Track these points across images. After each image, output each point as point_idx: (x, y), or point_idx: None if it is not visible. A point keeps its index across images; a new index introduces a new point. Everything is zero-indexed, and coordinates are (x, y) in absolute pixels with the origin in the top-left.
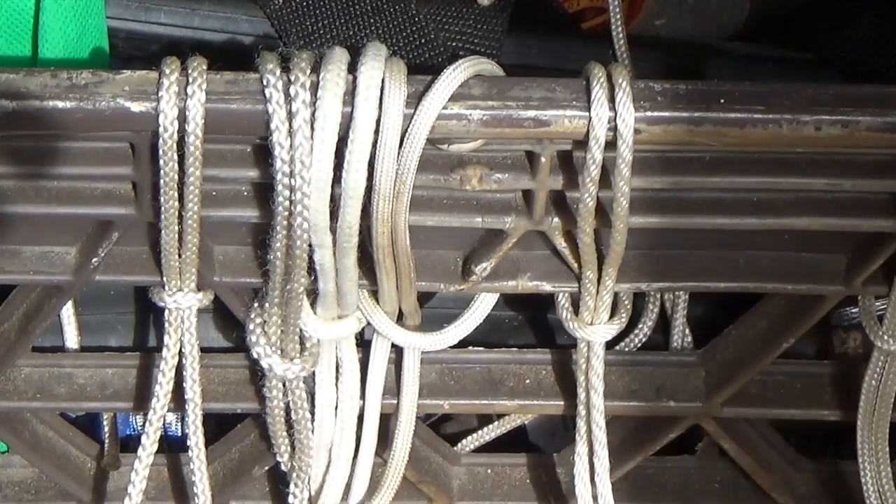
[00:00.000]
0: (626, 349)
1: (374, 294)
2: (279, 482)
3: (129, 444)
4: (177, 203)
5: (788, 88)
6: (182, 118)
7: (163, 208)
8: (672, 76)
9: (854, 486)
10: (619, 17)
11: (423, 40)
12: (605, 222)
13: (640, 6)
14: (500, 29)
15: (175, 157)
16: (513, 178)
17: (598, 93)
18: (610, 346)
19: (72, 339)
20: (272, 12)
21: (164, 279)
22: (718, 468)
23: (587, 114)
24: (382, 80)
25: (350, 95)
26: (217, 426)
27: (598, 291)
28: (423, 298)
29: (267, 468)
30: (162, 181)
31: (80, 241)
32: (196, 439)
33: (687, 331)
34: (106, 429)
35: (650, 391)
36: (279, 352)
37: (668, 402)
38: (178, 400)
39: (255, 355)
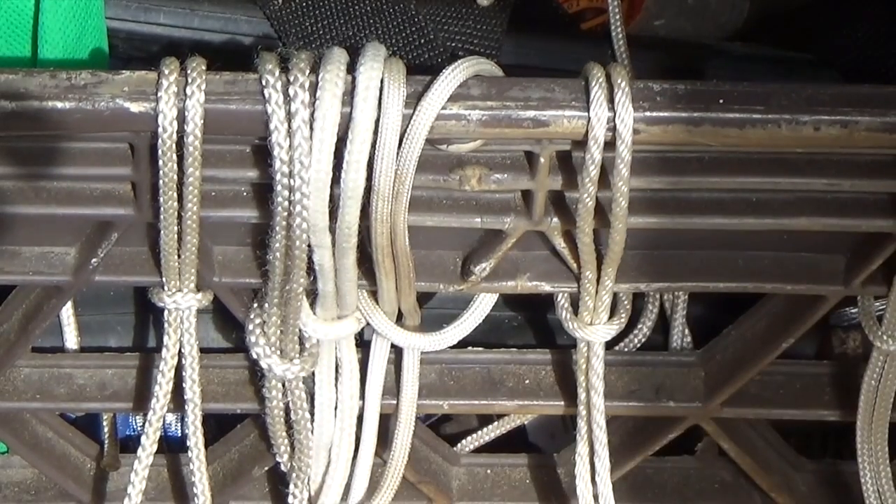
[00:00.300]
0: (626, 349)
1: (374, 294)
2: (279, 482)
3: (129, 444)
4: (176, 203)
5: (787, 88)
6: (181, 118)
7: (162, 209)
8: (671, 76)
9: (854, 486)
10: (618, 17)
11: (422, 41)
12: (605, 222)
13: (640, 6)
14: (499, 29)
15: (174, 157)
16: (512, 178)
17: (597, 93)
18: (609, 346)
19: (71, 340)
20: (272, 13)
21: (164, 280)
22: (718, 468)
23: (586, 114)
24: (381, 81)
25: (349, 96)
26: (217, 426)
27: (597, 292)
28: (423, 298)
29: (267, 468)
30: (161, 181)
31: (79, 241)
32: (196, 440)
33: (686, 331)
34: (105, 429)
35: (650, 391)
36: (279, 352)
37: (667, 403)
38: (178, 400)
39: (255, 356)
